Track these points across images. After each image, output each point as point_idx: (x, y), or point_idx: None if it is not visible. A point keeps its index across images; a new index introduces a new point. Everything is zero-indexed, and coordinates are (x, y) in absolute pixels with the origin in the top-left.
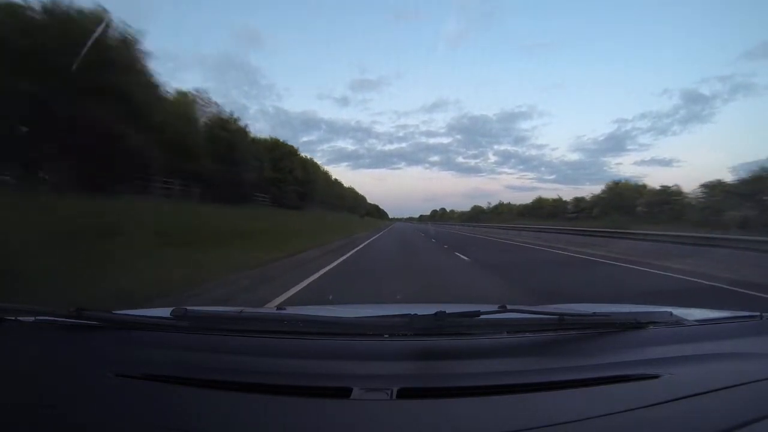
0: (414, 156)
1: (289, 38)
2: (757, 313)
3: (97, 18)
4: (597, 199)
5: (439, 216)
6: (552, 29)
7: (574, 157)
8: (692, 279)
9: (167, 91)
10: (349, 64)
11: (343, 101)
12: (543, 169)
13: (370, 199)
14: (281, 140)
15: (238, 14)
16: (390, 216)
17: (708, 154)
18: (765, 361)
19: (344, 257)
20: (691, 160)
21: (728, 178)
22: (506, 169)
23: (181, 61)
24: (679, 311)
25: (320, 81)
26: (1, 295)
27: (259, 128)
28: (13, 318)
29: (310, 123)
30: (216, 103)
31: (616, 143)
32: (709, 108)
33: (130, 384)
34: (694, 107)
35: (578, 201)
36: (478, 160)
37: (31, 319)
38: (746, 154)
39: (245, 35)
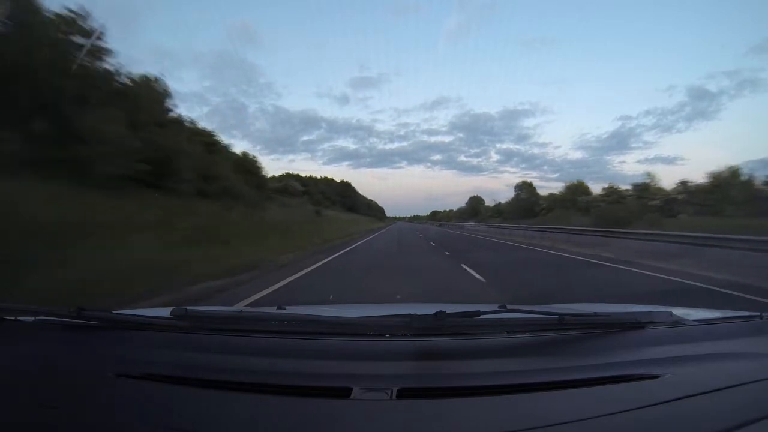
0: (415, 155)
1: (287, 35)
2: (757, 313)
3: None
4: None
5: (487, 213)
6: (554, 24)
7: (578, 155)
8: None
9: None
10: (348, 61)
11: (343, 99)
12: (546, 167)
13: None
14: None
15: (236, 11)
16: (388, 214)
17: (713, 151)
18: (765, 361)
19: None
20: (696, 158)
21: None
22: (509, 168)
23: (178, 58)
24: (678, 311)
25: (319, 79)
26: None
27: (259, 128)
28: (13, 318)
29: (310, 122)
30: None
31: (619, 141)
32: (715, 105)
33: (130, 384)
34: (700, 104)
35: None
36: (480, 159)
37: (31, 319)
38: (752, 152)
39: (243, 32)
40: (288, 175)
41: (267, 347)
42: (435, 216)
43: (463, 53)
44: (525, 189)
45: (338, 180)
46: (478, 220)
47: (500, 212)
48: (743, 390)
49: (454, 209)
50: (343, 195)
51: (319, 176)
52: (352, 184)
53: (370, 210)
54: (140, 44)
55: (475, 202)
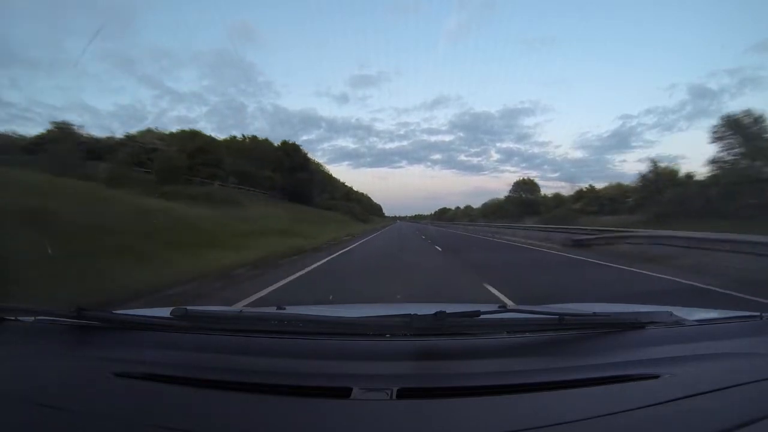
0: (415, 154)
1: (286, 34)
2: (757, 313)
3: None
4: None
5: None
6: (555, 23)
7: (578, 154)
8: None
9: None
10: (347, 60)
11: (343, 98)
12: (546, 167)
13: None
14: None
15: (235, 10)
16: (388, 213)
17: (714, 151)
18: (765, 361)
19: None
20: (697, 157)
21: None
22: (509, 167)
23: (177, 58)
24: (679, 311)
25: (318, 77)
26: None
27: (258, 127)
28: (13, 318)
29: (309, 121)
30: None
31: (620, 140)
32: (717, 103)
33: (130, 384)
34: (702, 102)
35: None
36: (480, 158)
37: (31, 319)
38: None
39: (242, 31)
40: (175, 134)
41: (267, 347)
42: (444, 214)
43: (463, 52)
44: (743, 134)
45: (277, 143)
46: (540, 221)
47: (594, 205)
48: (743, 390)
49: (474, 206)
50: (280, 168)
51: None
52: (307, 154)
53: (345, 204)
54: (139, 43)
55: (528, 189)
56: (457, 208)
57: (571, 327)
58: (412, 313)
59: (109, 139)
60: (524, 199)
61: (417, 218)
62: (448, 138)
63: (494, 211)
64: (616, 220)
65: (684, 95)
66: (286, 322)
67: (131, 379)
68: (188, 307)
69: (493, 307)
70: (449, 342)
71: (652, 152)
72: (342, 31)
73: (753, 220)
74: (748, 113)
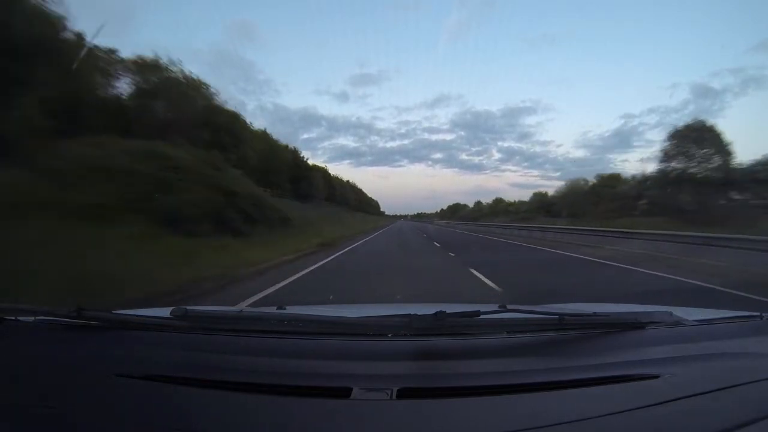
0: (416, 153)
1: (285, 31)
2: (757, 313)
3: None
4: None
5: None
6: (556, 22)
7: (580, 153)
8: None
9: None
10: (347, 59)
11: (343, 96)
12: (547, 166)
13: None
14: None
15: (234, 8)
16: (388, 213)
17: None
18: (765, 361)
19: None
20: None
21: None
22: (510, 166)
23: (175, 56)
24: (679, 311)
25: (318, 76)
26: None
27: (258, 126)
28: (13, 318)
29: (309, 119)
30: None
31: (622, 139)
32: (719, 103)
33: (130, 384)
34: (704, 102)
35: None
36: (481, 157)
37: (31, 319)
38: (756, 151)
39: (241, 29)
40: None
41: (267, 347)
42: (456, 212)
43: (463, 50)
44: None
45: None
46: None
47: None
48: (743, 390)
49: (507, 200)
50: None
51: None
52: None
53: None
54: (137, 42)
55: (706, 145)
56: (478, 203)
57: (571, 327)
58: (411, 313)
59: None
60: (706, 177)
61: (420, 217)
62: (449, 137)
63: (570, 201)
64: None
65: (686, 94)
66: (286, 322)
67: (131, 379)
68: (188, 307)
69: (493, 307)
70: (449, 342)
71: (654, 152)
72: (342, 30)
73: None
74: None
